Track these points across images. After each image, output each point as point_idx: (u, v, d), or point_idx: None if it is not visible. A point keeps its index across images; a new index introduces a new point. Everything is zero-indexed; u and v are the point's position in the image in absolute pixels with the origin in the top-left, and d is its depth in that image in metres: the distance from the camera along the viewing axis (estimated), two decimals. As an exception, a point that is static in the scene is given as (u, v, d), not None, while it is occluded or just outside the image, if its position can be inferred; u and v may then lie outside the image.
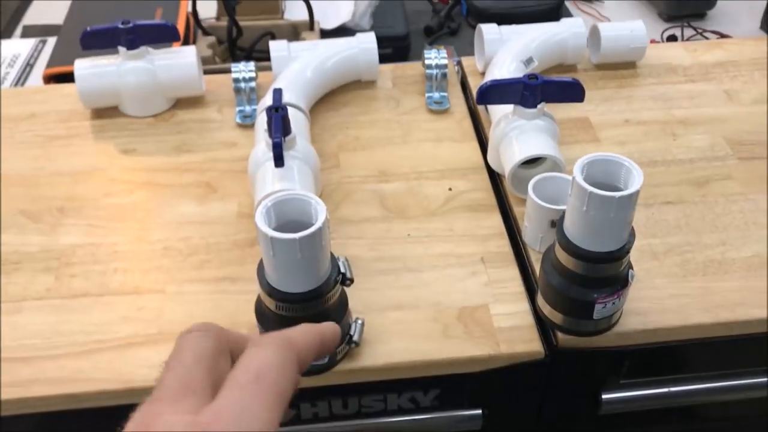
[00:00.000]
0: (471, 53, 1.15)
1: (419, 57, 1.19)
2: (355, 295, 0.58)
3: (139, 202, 0.71)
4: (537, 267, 0.64)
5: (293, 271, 0.51)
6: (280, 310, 0.52)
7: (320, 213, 0.50)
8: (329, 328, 0.39)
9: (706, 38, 1.14)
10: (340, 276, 0.54)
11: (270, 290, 0.52)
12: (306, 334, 0.37)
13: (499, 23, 1.18)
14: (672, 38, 1.14)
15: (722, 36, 1.14)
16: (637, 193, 0.51)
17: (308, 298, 0.52)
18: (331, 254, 0.54)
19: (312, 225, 0.51)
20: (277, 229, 0.51)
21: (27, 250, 0.66)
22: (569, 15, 1.24)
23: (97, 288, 0.63)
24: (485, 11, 1.20)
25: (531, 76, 0.68)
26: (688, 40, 1.14)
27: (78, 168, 0.75)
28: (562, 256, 0.56)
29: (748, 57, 0.90)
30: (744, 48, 0.92)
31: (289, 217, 0.52)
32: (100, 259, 0.65)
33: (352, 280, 0.54)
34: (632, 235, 0.54)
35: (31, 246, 0.67)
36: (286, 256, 0.49)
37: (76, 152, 0.77)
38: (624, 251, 0.54)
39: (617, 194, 0.50)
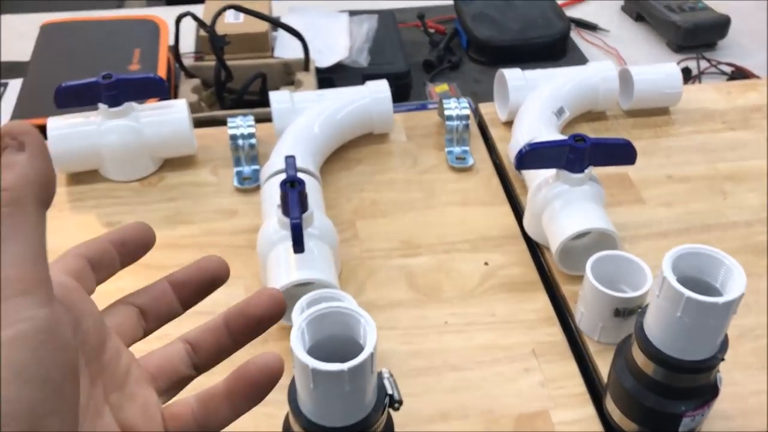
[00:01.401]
0: (474, 89, 1.07)
1: (420, 94, 1.11)
2: (393, 405, 0.49)
3: (129, 289, 0.61)
4: (597, 359, 0.56)
5: (337, 404, 0.42)
6: (319, 446, 0.43)
7: (369, 333, 0.41)
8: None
9: (722, 71, 1.08)
10: (388, 398, 0.45)
11: (306, 425, 0.43)
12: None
13: (503, 57, 1.11)
14: (686, 71, 1.08)
15: (738, 68, 1.08)
16: (741, 296, 0.43)
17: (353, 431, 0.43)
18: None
19: (354, 340, 0.42)
20: (312, 347, 0.43)
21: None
22: (575, 46, 1.17)
23: (85, 403, 0.53)
24: (487, 44, 1.12)
25: (578, 138, 0.60)
26: (703, 72, 1.08)
27: (53, 246, 0.64)
28: (640, 359, 0.48)
29: (784, 99, 0.83)
30: (779, 89, 0.85)
31: (326, 332, 0.43)
32: (87, 363, 0.55)
33: (401, 402, 0.46)
34: (726, 339, 0.46)
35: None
36: (331, 389, 0.40)
37: (51, 228, 0.66)
38: (718, 359, 0.46)
39: (721, 300, 0.42)
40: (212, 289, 0.34)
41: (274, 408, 0.50)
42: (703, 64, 1.10)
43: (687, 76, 1.08)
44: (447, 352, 0.57)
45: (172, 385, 0.30)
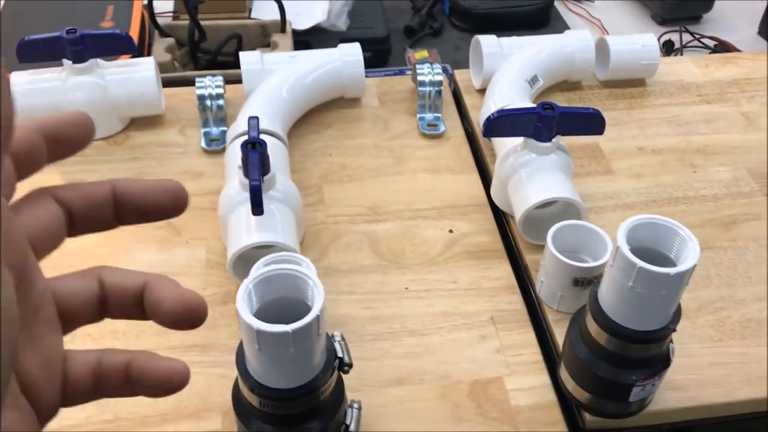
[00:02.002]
0: (455, 56, 1.06)
1: (399, 60, 1.10)
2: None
3: (90, 248, 0.61)
4: (555, 329, 0.56)
5: (283, 365, 0.41)
6: (266, 407, 0.43)
7: (317, 296, 0.41)
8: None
9: (704, 44, 1.07)
10: (337, 362, 0.45)
11: (253, 385, 0.42)
12: None
13: (485, 24, 1.10)
14: (668, 44, 1.07)
15: (721, 42, 1.07)
16: (693, 268, 0.43)
17: (301, 394, 0.42)
18: (326, 334, 0.44)
19: (302, 302, 0.42)
20: (261, 308, 0.42)
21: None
22: (558, 15, 1.16)
23: (39, 360, 0.53)
24: (470, 11, 1.11)
25: (546, 106, 0.60)
26: (685, 45, 1.07)
27: (16, 203, 0.64)
28: (594, 329, 0.48)
29: (762, 74, 0.83)
30: (757, 63, 0.85)
31: (275, 294, 0.43)
32: (43, 321, 0.55)
33: (350, 365, 0.45)
34: (679, 310, 0.46)
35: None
36: (275, 350, 0.40)
37: (14, 183, 0.66)
38: (670, 330, 0.46)
39: (672, 271, 0.42)
40: (159, 216, 0.27)
41: (228, 369, 0.50)
42: (687, 37, 1.09)
43: (669, 49, 1.07)
44: (406, 317, 0.57)
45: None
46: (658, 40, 1.09)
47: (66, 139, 0.25)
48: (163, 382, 0.26)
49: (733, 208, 0.66)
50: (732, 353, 0.55)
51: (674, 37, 1.09)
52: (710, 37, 1.09)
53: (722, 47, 1.06)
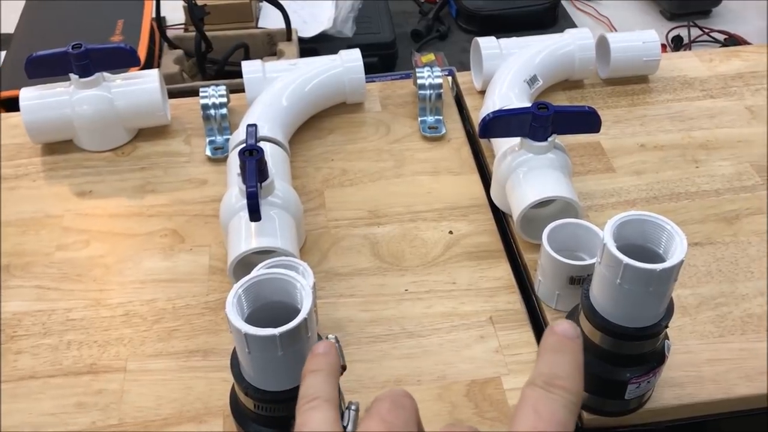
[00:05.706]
0: (462, 59, 1.07)
1: (407, 63, 1.11)
2: (348, 369, 0.49)
3: (97, 257, 0.62)
4: (554, 328, 0.56)
5: (274, 368, 0.42)
6: (260, 409, 0.44)
7: (306, 299, 0.41)
8: None
9: (714, 38, 1.06)
10: (331, 363, 0.45)
11: (247, 388, 0.43)
12: None
13: (492, 26, 1.10)
14: (677, 39, 1.06)
15: (730, 36, 1.06)
16: (681, 263, 0.43)
17: (294, 396, 0.43)
18: (318, 336, 0.45)
19: (295, 306, 0.43)
20: (253, 312, 0.43)
21: (-35, 321, 0.57)
22: (566, 14, 1.16)
23: (47, 367, 0.54)
24: (476, 13, 1.12)
25: (541, 106, 0.60)
26: (694, 40, 1.06)
27: (26, 215, 0.66)
28: (587, 328, 0.48)
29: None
30: (762, 56, 0.84)
31: (267, 298, 0.44)
32: (52, 329, 0.57)
33: (344, 368, 0.46)
34: (671, 306, 0.46)
35: (-29, 315, 0.58)
36: (265, 353, 0.41)
37: (25, 196, 0.68)
38: (662, 327, 0.46)
39: (658, 267, 0.42)
40: None
41: (228, 374, 0.51)
42: (696, 32, 1.08)
43: (678, 44, 1.07)
44: (405, 319, 0.57)
45: None
46: (667, 35, 1.09)
47: None
48: None
49: (735, 202, 0.66)
50: (731, 349, 0.54)
51: (683, 32, 1.08)
52: (720, 31, 1.08)
53: (732, 41, 1.05)
